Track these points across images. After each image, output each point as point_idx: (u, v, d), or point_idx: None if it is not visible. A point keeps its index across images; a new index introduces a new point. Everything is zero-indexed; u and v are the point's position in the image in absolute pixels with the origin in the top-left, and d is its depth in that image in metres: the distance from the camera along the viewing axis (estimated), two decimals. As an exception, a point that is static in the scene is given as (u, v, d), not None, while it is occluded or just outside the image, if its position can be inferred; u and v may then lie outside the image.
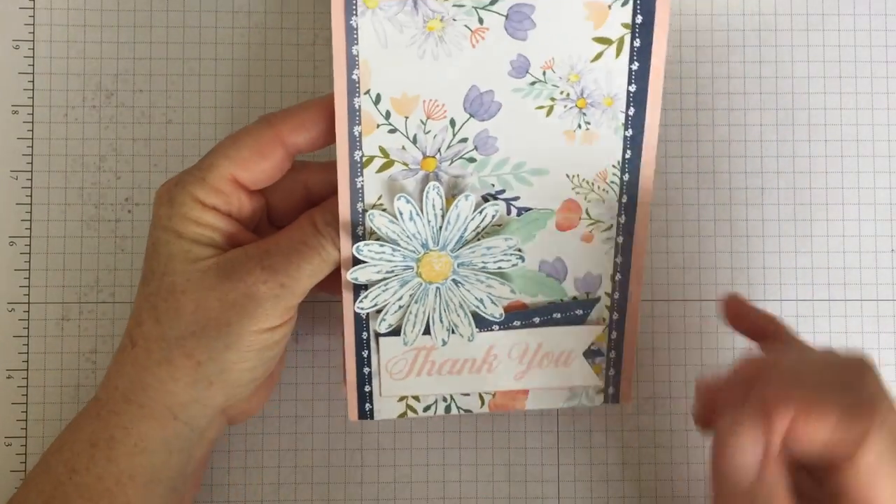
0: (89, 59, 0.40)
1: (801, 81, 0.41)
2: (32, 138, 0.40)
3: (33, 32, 0.40)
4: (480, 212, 0.33)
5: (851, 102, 0.41)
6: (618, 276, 0.35)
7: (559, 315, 0.36)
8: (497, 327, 0.35)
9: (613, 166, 0.34)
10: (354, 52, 0.31)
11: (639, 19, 0.32)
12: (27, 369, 0.40)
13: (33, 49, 0.40)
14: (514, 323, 0.35)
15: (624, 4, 0.32)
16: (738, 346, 0.41)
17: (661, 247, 0.41)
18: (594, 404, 0.37)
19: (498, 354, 0.36)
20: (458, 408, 0.37)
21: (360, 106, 0.32)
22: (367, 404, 0.36)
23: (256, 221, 0.35)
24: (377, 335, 0.35)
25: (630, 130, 0.33)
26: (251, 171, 0.32)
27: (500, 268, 0.34)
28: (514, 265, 0.34)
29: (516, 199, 0.34)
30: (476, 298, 0.34)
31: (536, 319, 0.35)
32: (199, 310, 0.32)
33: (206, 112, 0.40)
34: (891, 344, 0.41)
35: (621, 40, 0.32)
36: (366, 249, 0.32)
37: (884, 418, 0.26)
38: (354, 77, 0.31)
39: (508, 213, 0.34)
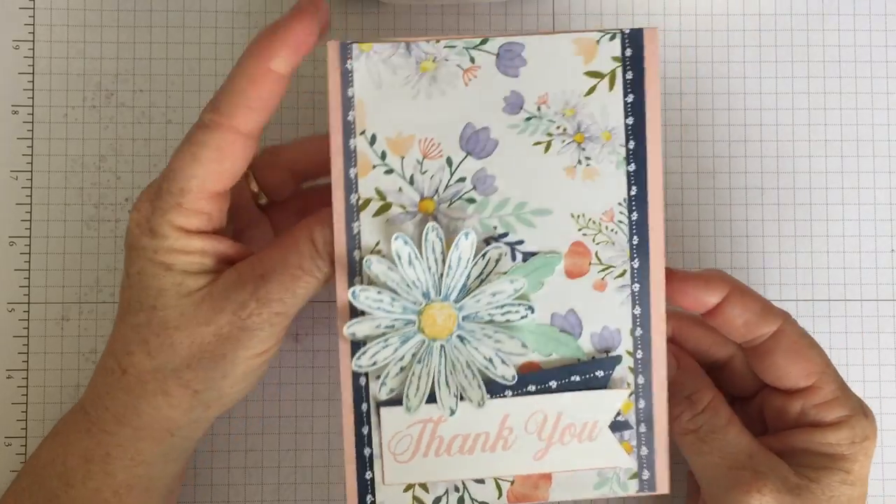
0: (89, 59, 0.40)
1: (801, 81, 0.41)
2: (32, 138, 0.40)
3: (33, 32, 0.40)
4: (483, 255, 0.32)
5: (851, 102, 0.41)
6: (638, 331, 0.33)
7: (578, 378, 0.33)
8: (510, 392, 0.32)
9: (619, 204, 0.32)
10: (350, 94, 0.31)
11: (628, 52, 0.32)
12: (27, 369, 0.40)
13: (33, 49, 0.40)
14: (529, 387, 0.33)
15: (612, 39, 0.32)
16: (738, 346, 0.41)
17: (661, 247, 0.41)
18: (627, 493, 0.33)
19: (513, 427, 0.33)
20: (473, 500, 0.33)
21: (355, 147, 0.31)
22: (370, 496, 0.33)
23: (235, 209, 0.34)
24: (378, 405, 0.32)
25: (633, 165, 0.33)
26: (222, 180, 0.30)
27: (508, 320, 0.32)
28: (523, 317, 0.32)
29: (520, 242, 0.32)
30: (484, 357, 0.32)
31: (553, 383, 0.33)
32: (194, 345, 0.30)
33: (206, 112, 0.40)
34: (891, 344, 0.41)
35: (613, 73, 0.32)
36: (362, 295, 0.31)
37: (791, 319, 0.34)
38: (350, 118, 0.31)
39: (514, 258, 0.32)
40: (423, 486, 0.33)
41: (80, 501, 0.32)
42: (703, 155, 0.41)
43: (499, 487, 0.33)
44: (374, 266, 0.31)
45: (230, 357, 0.30)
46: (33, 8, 0.40)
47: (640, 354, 0.33)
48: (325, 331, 0.40)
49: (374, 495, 0.33)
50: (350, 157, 0.31)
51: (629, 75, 0.32)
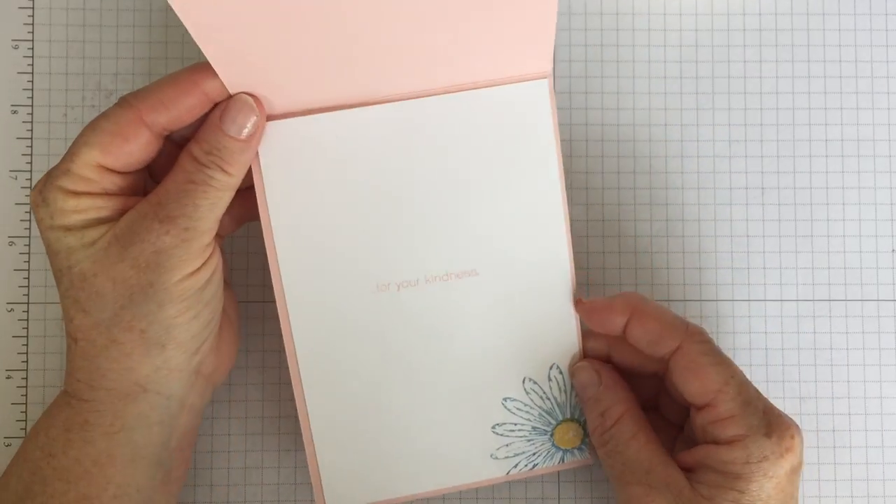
0: (89, 59, 0.40)
1: (801, 81, 0.41)
2: (32, 138, 0.40)
3: (33, 32, 0.40)
4: None
5: (851, 102, 0.41)
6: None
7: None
8: None
9: None
10: None
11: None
12: (27, 369, 0.40)
13: (33, 49, 0.40)
14: None
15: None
16: (738, 347, 0.41)
17: (661, 247, 0.41)
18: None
19: None
20: None
21: None
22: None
23: (143, 186, 0.34)
24: None
25: None
26: (115, 155, 0.31)
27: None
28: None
29: None
30: None
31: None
32: (118, 283, 0.31)
33: (205, 112, 0.40)
34: (891, 344, 0.41)
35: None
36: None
37: (693, 332, 0.35)
38: None
39: None
40: None
41: (61, 472, 0.32)
42: (703, 155, 0.41)
43: None
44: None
45: (157, 284, 0.31)
46: (33, 8, 0.40)
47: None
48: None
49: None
50: None
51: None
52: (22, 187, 0.40)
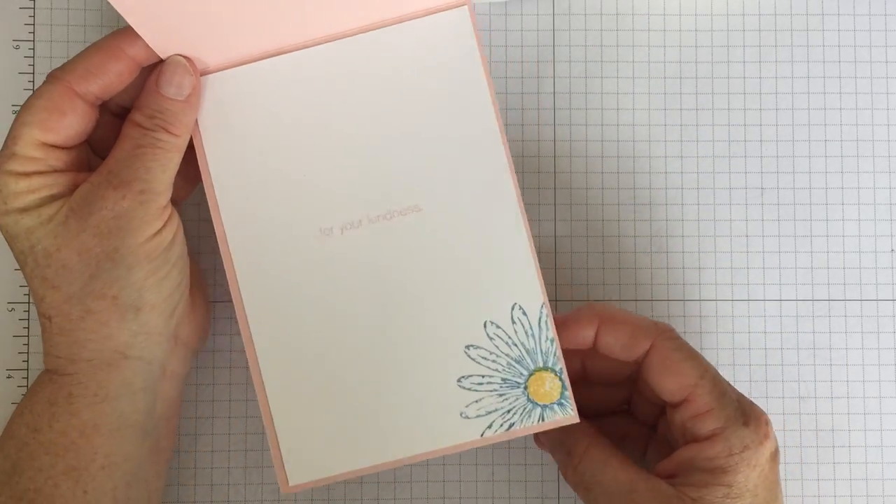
0: (89, 59, 0.40)
1: (801, 81, 0.41)
2: (32, 138, 0.40)
3: (33, 32, 0.40)
4: None
5: (851, 102, 0.41)
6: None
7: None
8: None
9: None
10: None
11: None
12: (27, 369, 0.40)
13: (33, 49, 0.40)
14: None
15: None
16: (737, 347, 0.41)
17: (661, 247, 0.41)
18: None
19: None
20: None
21: None
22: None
23: (87, 160, 0.35)
24: None
25: None
26: (55, 130, 0.32)
27: None
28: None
29: None
30: None
31: None
32: (83, 254, 0.32)
33: (206, 112, 0.40)
34: (891, 344, 0.41)
35: None
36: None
37: (663, 330, 0.35)
38: None
39: None
40: None
41: (48, 445, 0.32)
42: (703, 155, 0.41)
43: None
44: None
45: (122, 249, 0.32)
46: (33, 8, 0.40)
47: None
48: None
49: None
50: None
51: None
52: (22, 187, 0.40)
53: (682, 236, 0.41)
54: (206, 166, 0.35)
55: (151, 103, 0.33)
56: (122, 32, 0.33)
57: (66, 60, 0.40)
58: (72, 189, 0.32)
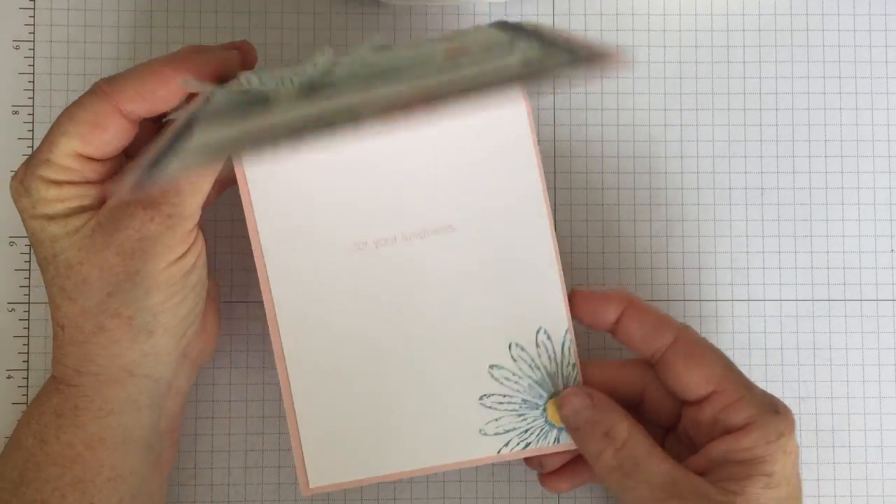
0: (89, 59, 0.40)
1: (801, 81, 0.41)
2: (32, 138, 0.40)
3: (33, 32, 0.40)
4: None
5: (851, 102, 0.41)
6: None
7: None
8: None
9: None
10: None
11: None
12: (27, 369, 0.40)
13: (33, 49, 0.40)
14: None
15: None
16: (737, 347, 0.41)
17: (661, 247, 0.41)
18: None
19: None
20: None
21: None
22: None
23: (121, 168, 0.34)
24: None
25: None
26: (93, 144, 0.31)
27: None
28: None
29: None
30: None
31: None
32: (104, 270, 0.31)
33: (206, 112, 0.40)
34: (891, 344, 0.41)
35: None
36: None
37: (685, 326, 0.35)
38: None
39: None
40: None
41: (55, 457, 0.32)
42: (703, 155, 0.41)
43: None
44: None
45: (143, 272, 0.31)
46: (33, 8, 0.40)
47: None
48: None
49: None
50: None
51: None
52: (22, 187, 0.40)
53: (682, 236, 0.41)
54: (245, 184, 0.35)
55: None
56: (175, 59, 0.32)
57: (67, 60, 0.40)
58: (101, 201, 0.32)
